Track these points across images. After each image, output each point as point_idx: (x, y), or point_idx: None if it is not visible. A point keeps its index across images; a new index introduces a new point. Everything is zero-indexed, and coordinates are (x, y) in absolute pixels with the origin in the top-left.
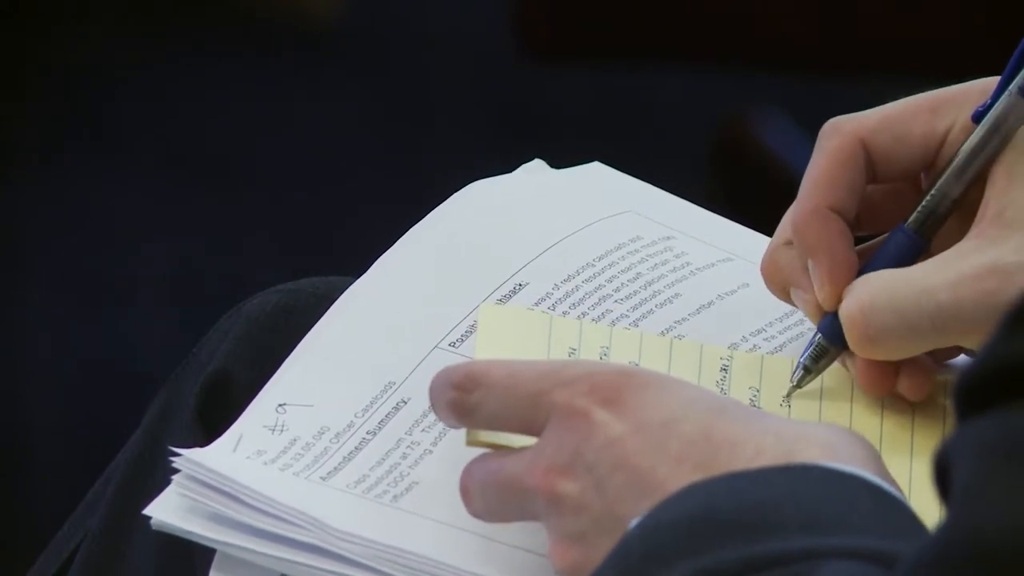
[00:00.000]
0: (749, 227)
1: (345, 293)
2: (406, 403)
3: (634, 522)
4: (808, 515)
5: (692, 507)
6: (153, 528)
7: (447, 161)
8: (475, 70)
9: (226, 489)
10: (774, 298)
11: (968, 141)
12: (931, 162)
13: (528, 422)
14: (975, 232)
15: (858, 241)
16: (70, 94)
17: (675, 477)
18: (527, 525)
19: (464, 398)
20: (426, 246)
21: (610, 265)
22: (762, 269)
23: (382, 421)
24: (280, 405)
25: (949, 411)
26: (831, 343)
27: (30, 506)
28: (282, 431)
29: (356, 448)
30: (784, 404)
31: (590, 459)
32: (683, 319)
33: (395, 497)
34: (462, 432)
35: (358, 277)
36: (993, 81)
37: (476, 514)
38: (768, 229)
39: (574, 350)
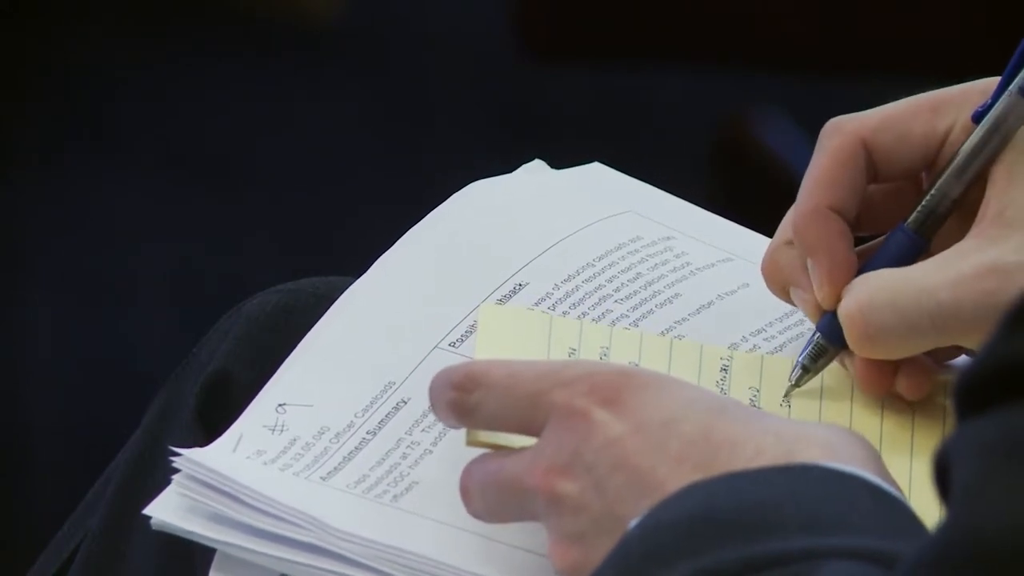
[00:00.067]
0: (749, 227)
1: (345, 293)
2: (406, 403)
3: (634, 522)
4: (808, 515)
5: (692, 507)
6: (153, 528)
7: (447, 161)
8: (475, 70)
9: (226, 489)
10: (774, 298)
11: (968, 141)
12: (932, 162)
13: (528, 422)
14: (975, 232)
15: (859, 241)
16: (70, 94)
17: (675, 477)
18: (527, 525)
19: (464, 398)
20: (426, 246)
21: (610, 265)
22: (762, 268)
23: (382, 421)
24: (280, 405)
25: (949, 411)
26: (830, 342)
27: (30, 506)
28: (282, 431)
29: (356, 448)
30: (784, 404)
31: (589, 459)
32: (683, 319)
33: (395, 497)
34: (462, 432)
35: (358, 277)
36: (993, 81)
37: (476, 514)
38: (768, 229)
39: (574, 350)
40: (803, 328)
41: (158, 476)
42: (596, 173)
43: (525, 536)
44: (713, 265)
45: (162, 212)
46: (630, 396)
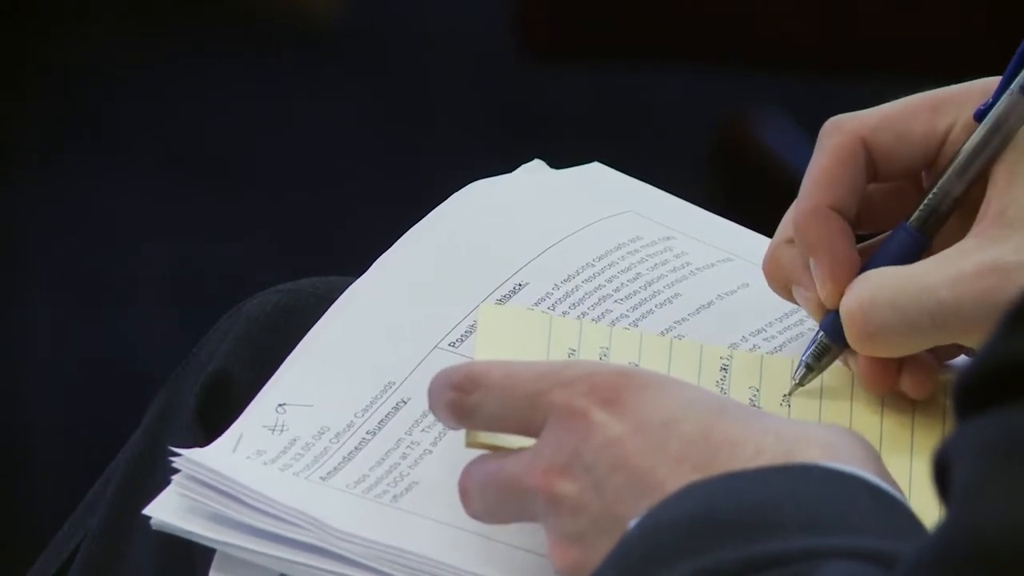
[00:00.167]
0: (749, 227)
1: (345, 293)
2: (406, 403)
3: (633, 522)
4: (808, 515)
5: (692, 507)
6: (153, 528)
7: (447, 161)
8: (475, 70)
9: (226, 489)
10: (774, 298)
11: (970, 140)
12: (932, 161)
13: (527, 423)
14: (976, 231)
15: (860, 240)
16: (70, 94)
17: (674, 477)
18: (527, 525)
19: (463, 399)
20: (426, 246)
21: (610, 265)
22: (764, 267)
23: (382, 421)
24: (280, 405)
25: (949, 410)
26: (833, 341)
27: (30, 506)
28: (282, 431)
29: (356, 448)
30: (784, 404)
31: (589, 459)
32: (683, 319)
33: (395, 497)
34: (461, 433)
35: (358, 277)
36: (994, 81)
37: (475, 515)
38: (768, 229)
39: (574, 350)
40: (803, 328)
41: (158, 476)
42: (596, 173)
43: (525, 536)
44: (713, 265)
45: (162, 212)
46: (630, 396)
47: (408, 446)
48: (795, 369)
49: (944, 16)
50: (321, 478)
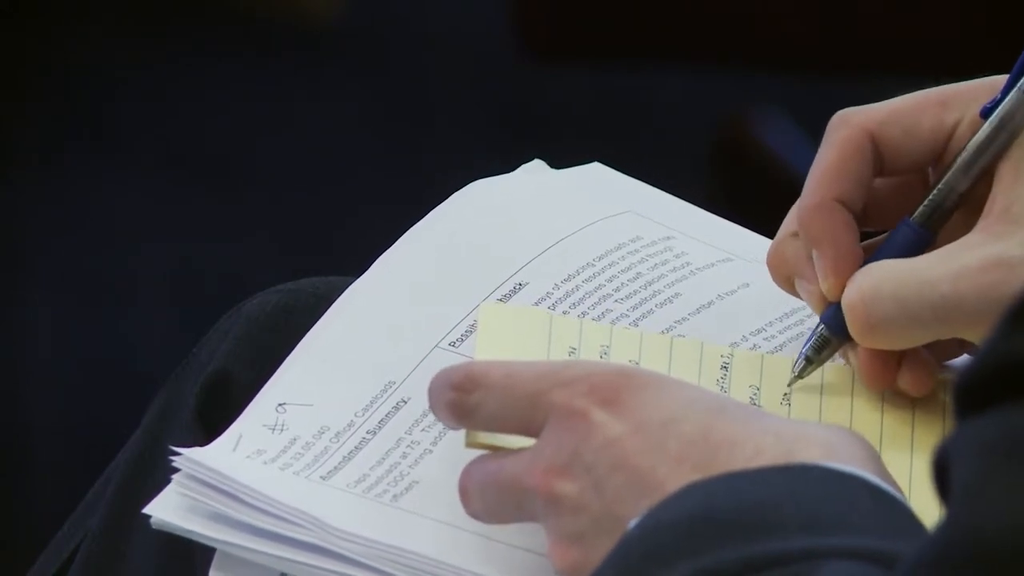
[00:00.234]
0: (749, 227)
1: (345, 293)
2: (406, 403)
3: (633, 522)
4: (808, 515)
5: (692, 507)
6: (153, 527)
7: (447, 161)
8: (475, 70)
9: (226, 488)
10: (774, 298)
11: (976, 136)
12: (938, 156)
13: (527, 423)
14: (981, 227)
15: (865, 237)
16: (70, 94)
17: (674, 477)
18: (527, 525)
19: (463, 399)
20: (426, 246)
21: (610, 265)
22: (768, 260)
23: (382, 421)
24: (280, 405)
25: (949, 408)
26: (833, 334)
27: (30, 506)
28: (282, 430)
29: (356, 447)
30: (784, 402)
31: (589, 459)
32: (683, 319)
33: (395, 496)
34: (461, 432)
35: (358, 277)
36: (1001, 79)
37: (475, 515)
38: (768, 229)
39: (574, 349)
40: (803, 328)
41: (158, 476)
42: (596, 173)
43: (525, 536)
44: (713, 265)
45: (162, 212)
46: (629, 396)
47: (408, 446)
48: (795, 362)
49: (944, 16)
50: (321, 477)
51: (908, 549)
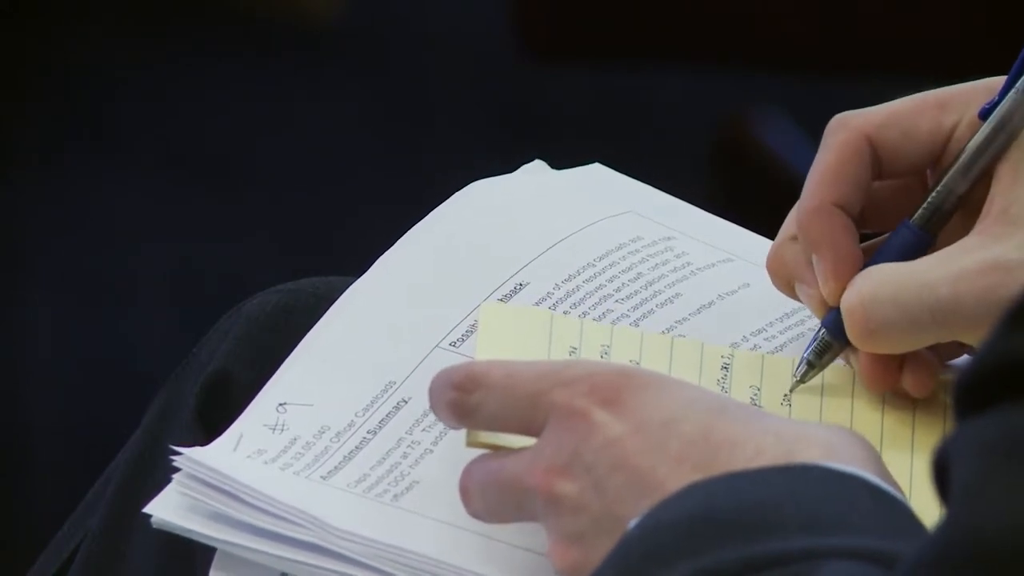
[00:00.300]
0: (749, 227)
1: (345, 293)
2: (406, 403)
3: (633, 522)
4: (808, 515)
5: (692, 507)
6: (153, 527)
7: (447, 161)
8: (475, 70)
9: (226, 488)
10: (775, 298)
11: (974, 138)
12: (937, 159)
13: (527, 422)
14: (979, 229)
15: (865, 238)
16: (70, 94)
17: (675, 477)
18: (527, 525)
19: (464, 399)
20: (426, 246)
21: (611, 265)
22: (767, 264)
23: (382, 420)
24: (280, 404)
25: (950, 408)
26: (834, 338)
27: (30, 506)
28: (282, 430)
29: (356, 447)
30: (785, 403)
31: (589, 459)
32: (684, 319)
33: (395, 496)
34: (462, 432)
35: (358, 277)
36: (999, 80)
37: (475, 514)
38: (768, 229)
39: (575, 349)
40: (803, 328)
41: (158, 476)
42: (596, 173)
43: (525, 536)
44: (713, 265)
45: (162, 212)
46: (630, 396)
47: (409, 445)
48: (796, 366)
49: (944, 16)
50: (322, 477)
51: (908, 549)
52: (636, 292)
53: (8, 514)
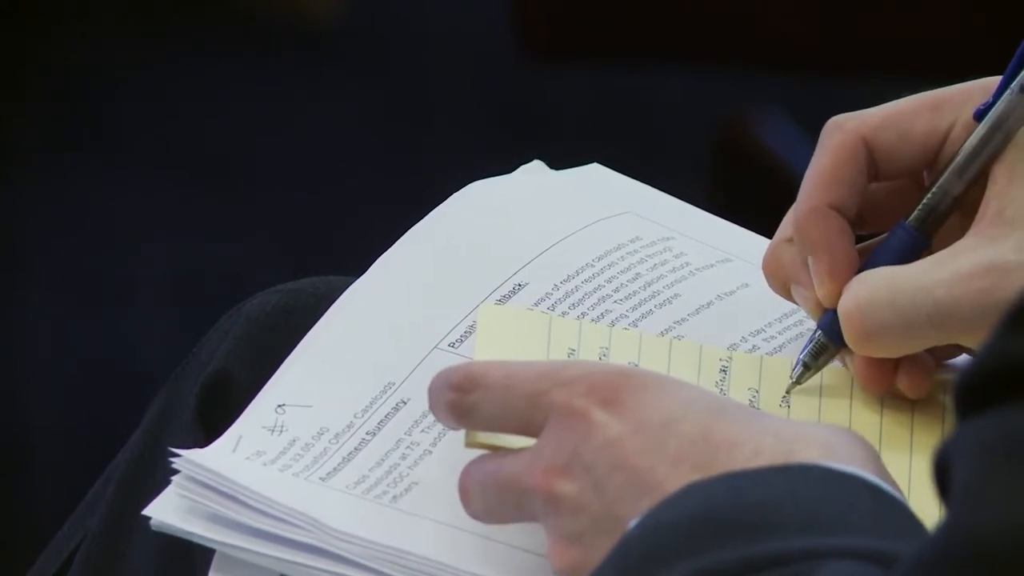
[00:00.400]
0: (749, 227)
1: (345, 293)
2: (406, 403)
3: (633, 522)
4: (808, 515)
5: (692, 507)
6: (153, 528)
7: (447, 161)
8: (475, 70)
9: (225, 490)
10: (773, 299)
11: (970, 139)
12: (933, 160)
13: (527, 423)
14: (975, 230)
15: (861, 240)
16: (70, 94)
17: (674, 477)
18: (526, 525)
19: (463, 399)
20: (425, 246)
21: (609, 265)
22: (764, 266)
23: (381, 421)
24: (279, 406)
25: (949, 409)
26: (830, 340)
27: (30, 506)
28: (281, 432)
29: (355, 449)
30: (783, 404)
31: (588, 459)
32: (682, 319)
33: (394, 498)
34: (461, 433)
35: (358, 277)
36: (995, 80)
37: (475, 515)
38: (768, 230)
39: (573, 350)
40: (802, 328)
41: (158, 476)
42: (595, 174)
43: (524, 536)
44: (712, 266)
45: (162, 212)
46: (629, 396)
47: (408, 446)
48: (792, 368)
49: (944, 16)
50: (321, 479)
51: (908, 549)
52: (635, 292)
53: (8, 514)
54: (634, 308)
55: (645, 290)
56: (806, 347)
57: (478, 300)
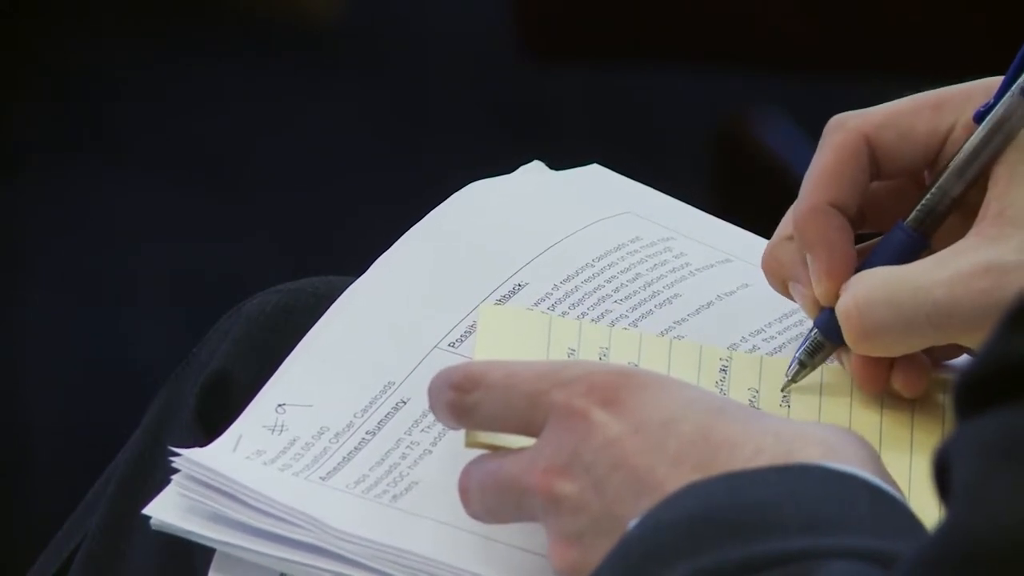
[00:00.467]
0: (748, 227)
1: (345, 293)
2: (405, 403)
3: (633, 522)
4: (807, 515)
5: (692, 507)
6: (153, 528)
7: (447, 161)
8: (475, 70)
9: (225, 489)
10: (773, 299)
11: (970, 140)
12: (934, 160)
13: (527, 422)
14: (975, 231)
15: (861, 239)
16: (70, 94)
17: (674, 477)
18: (527, 525)
19: (463, 399)
20: (425, 246)
21: (609, 265)
22: (763, 263)
23: (381, 421)
24: (280, 405)
25: (948, 408)
26: (827, 338)
27: (30, 506)
28: (282, 431)
29: (355, 448)
30: (783, 404)
31: (588, 459)
32: (682, 319)
33: (394, 497)
34: (461, 433)
35: (358, 277)
36: (996, 81)
37: (475, 515)
38: (768, 230)
39: (573, 350)
40: (802, 328)
41: (158, 476)
42: (595, 174)
43: (525, 536)
44: (712, 266)
45: (162, 212)
46: (629, 396)
47: (408, 446)
48: (788, 365)
49: (944, 16)
50: (321, 478)
51: (908, 549)
52: (635, 292)
53: (8, 514)
54: (634, 308)
55: (645, 290)
56: (802, 345)
57: (478, 300)
